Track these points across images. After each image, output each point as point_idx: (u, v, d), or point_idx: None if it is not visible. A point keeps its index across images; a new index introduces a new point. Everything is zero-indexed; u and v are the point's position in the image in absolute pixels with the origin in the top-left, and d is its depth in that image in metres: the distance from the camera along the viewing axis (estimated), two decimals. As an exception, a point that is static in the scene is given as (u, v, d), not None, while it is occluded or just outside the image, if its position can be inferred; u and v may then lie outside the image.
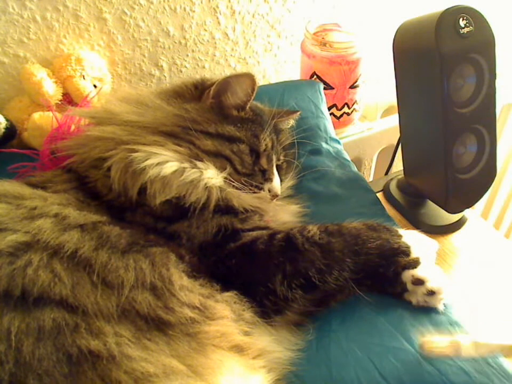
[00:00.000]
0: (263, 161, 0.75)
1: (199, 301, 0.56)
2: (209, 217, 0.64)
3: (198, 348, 0.52)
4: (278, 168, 0.79)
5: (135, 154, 0.63)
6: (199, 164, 0.67)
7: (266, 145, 0.75)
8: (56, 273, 0.50)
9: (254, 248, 0.63)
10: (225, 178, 0.68)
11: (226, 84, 0.71)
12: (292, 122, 0.87)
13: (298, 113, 0.88)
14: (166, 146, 0.66)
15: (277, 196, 0.76)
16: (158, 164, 0.63)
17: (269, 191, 0.74)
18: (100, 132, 0.67)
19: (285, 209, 0.76)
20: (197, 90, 0.74)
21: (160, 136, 0.67)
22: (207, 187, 0.64)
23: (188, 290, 0.56)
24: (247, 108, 0.75)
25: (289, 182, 0.84)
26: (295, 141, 0.85)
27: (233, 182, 0.69)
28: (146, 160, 0.63)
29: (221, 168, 0.69)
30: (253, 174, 0.73)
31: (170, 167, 0.64)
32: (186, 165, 0.66)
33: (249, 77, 0.71)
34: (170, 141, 0.67)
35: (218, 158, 0.69)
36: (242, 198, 0.68)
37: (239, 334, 0.57)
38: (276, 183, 0.76)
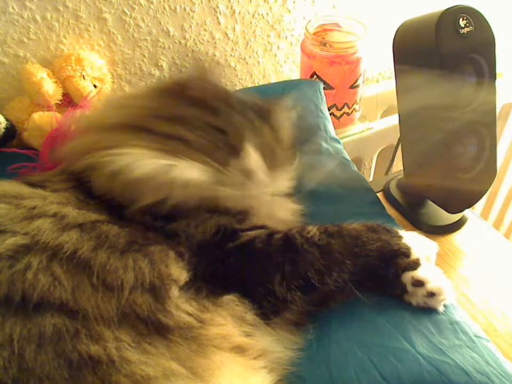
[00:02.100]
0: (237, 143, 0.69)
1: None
2: (208, 217, 0.63)
3: (198, 349, 0.52)
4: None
5: (108, 158, 0.62)
6: (174, 159, 0.64)
7: (240, 128, 0.70)
8: (55, 276, 0.50)
9: (252, 247, 0.62)
10: (204, 170, 0.65)
11: (199, 73, 0.71)
12: (287, 115, 0.83)
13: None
14: (140, 144, 0.64)
15: (251, 174, 0.69)
16: (131, 164, 0.61)
17: (242, 170, 0.68)
18: (78, 142, 0.68)
19: (280, 205, 0.74)
20: (177, 85, 0.73)
21: (132, 133, 0.65)
22: (185, 183, 0.62)
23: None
24: (222, 96, 0.72)
25: (289, 182, 0.83)
26: (295, 140, 0.85)
27: (213, 173, 0.65)
28: (121, 162, 0.61)
29: (198, 160, 0.65)
30: (225, 157, 0.67)
31: (144, 166, 0.62)
32: (162, 162, 0.63)
33: (214, 65, 0.70)
34: (144, 137, 0.65)
35: (194, 150, 0.66)
36: (231, 195, 0.66)
37: (240, 335, 0.56)
38: (250, 160, 0.69)
